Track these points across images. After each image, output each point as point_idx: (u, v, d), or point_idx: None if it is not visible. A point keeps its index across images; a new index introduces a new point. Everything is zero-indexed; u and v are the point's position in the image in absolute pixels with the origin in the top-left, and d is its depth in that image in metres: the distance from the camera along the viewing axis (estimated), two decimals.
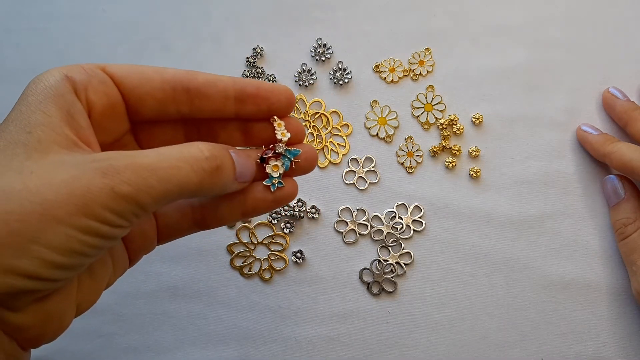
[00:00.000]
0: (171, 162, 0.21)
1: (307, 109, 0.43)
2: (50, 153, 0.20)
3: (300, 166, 0.26)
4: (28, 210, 0.18)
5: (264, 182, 0.26)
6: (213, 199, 0.26)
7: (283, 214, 0.41)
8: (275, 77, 0.43)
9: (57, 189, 0.19)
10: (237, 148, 0.25)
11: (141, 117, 0.24)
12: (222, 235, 0.41)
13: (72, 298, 0.22)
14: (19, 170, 0.19)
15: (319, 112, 0.43)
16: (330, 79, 0.43)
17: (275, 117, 0.26)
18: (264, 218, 0.41)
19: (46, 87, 0.21)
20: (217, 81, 0.24)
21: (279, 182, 0.26)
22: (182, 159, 0.21)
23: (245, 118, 0.26)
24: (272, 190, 0.26)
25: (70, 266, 0.19)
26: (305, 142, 0.27)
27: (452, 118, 0.42)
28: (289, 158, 0.26)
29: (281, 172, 0.26)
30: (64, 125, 0.20)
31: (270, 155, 0.26)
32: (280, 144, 0.26)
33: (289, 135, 0.26)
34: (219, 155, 0.22)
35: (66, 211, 0.18)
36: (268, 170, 0.26)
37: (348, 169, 0.42)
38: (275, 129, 0.26)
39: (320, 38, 0.43)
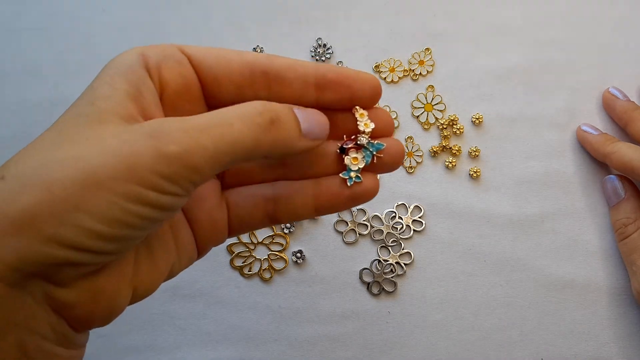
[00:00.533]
0: (223, 119, 0.20)
1: None
2: (110, 124, 0.19)
3: (384, 161, 0.24)
4: (71, 176, 0.17)
5: (340, 175, 0.24)
6: (285, 189, 0.25)
7: None
8: None
9: (103, 154, 0.18)
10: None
11: (218, 100, 0.23)
12: None
13: (125, 278, 0.21)
14: (75, 140, 0.18)
15: None
16: None
17: (357, 107, 0.24)
18: None
19: (119, 63, 0.21)
20: (297, 65, 0.23)
21: (357, 177, 0.24)
22: (234, 116, 0.20)
23: (327, 107, 0.24)
24: (349, 184, 0.24)
25: (115, 237, 0.18)
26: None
27: (452, 118, 0.42)
28: (370, 151, 0.24)
29: (361, 165, 0.24)
30: (128, 100, 0.20)
31: (350, 146, 0.24)
32: (363, 136, 0.24)
33: (372, 125, 0.24)
34: (273, 109, 0.21)
35: (108, 175, 0.17)
36: (346, 162, 0.24)
37: None
38: (357, 120, 0.24)
39: (320, 38, 0.43)
